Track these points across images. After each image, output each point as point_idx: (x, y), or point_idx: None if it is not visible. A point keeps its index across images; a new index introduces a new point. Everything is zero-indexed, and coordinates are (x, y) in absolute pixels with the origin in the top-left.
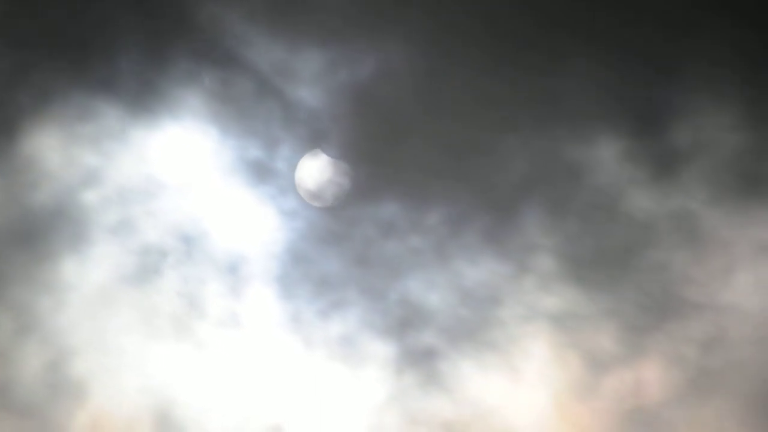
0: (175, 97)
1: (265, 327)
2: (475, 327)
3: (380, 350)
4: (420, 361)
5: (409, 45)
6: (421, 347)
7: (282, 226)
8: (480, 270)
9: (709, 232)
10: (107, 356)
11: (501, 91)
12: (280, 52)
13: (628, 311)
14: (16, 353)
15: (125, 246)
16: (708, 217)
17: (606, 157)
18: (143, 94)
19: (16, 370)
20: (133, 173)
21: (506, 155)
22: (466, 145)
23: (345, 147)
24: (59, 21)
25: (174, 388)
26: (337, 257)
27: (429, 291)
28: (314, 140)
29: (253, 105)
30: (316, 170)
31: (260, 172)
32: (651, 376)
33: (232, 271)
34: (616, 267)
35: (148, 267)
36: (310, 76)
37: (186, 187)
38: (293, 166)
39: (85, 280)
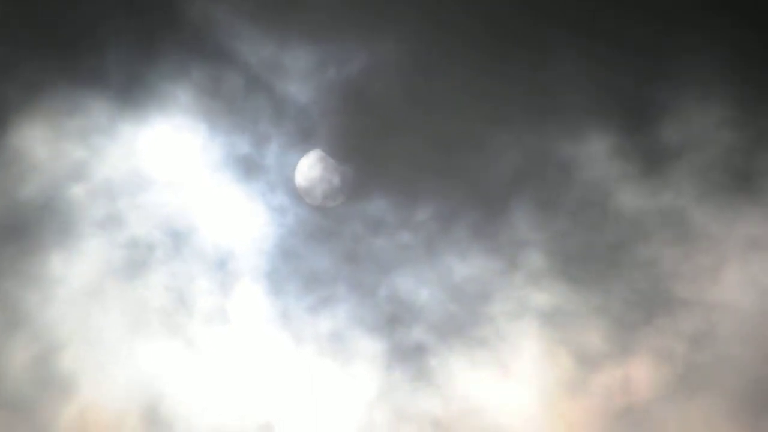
0: (163, 91)
1: (254, 323)
2: (464, 323)
3: (370, 346)
4: (409, 358)
5: (398, 42)
6: (411, 343)
7: (271, 222)
8: (469, 266)
9: (698, 228)
10: (95, 350)
11: (491, 88)
12: (269, 49)
13: (618, 308)
14: (3, 347)
15: (113, 240)
16: (697, 214)
17: (596, 154)
18: (132, 89)
19: (3, 365)
20: (121, 168)
21: (496, 151)
22: (456, 142)
23: (334, 143)
24: (48, 15)
25: (162, 383)
26: (327, 254)
27: (418, 287)
28: (304, 136)
29: (242, 101)
30: (305, 167)
31: (249, 168)
32: (640, 373)
33: (221, 266)
34: (605, 263)
35: (136, 262)
36: (300, 73)
37: (174, 183)
38: (282, 163)
39: (72, 274)
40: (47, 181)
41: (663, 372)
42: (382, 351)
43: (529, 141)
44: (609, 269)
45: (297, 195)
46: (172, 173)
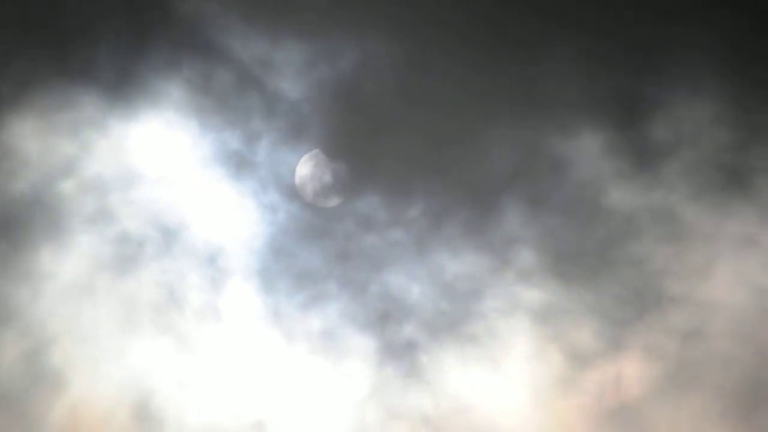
0: (155, 87)
1: (245, 320)
2: (455, 320)
3: (361, 344)
4: (401, 355)
5: (390, 39)
6: (402, 341)
7: (262, 219)
8: (461, 263)
9: (690, 226)
10: (85, 346)
11: (482, 85)
12: (261, 45)
13: (609, 305)
14: None
15: (103, 236)
16: (689, 211)
17: (588, 151)
18: (123, 84)
19: None
20: (112, 163)
21: (487, 148)
22: (447, 139)
23: (326, 140)
24: (39, 10)
25: (153, 380)
26: (318, 251)
27: (410, 284)
28: (295, 134)
29: (234, 97)
30: (296, 164)
31: (240, 165)
32: (632, 370)
33: (212, 263)
34: (597, 261)
35: (126, 257)
36: (292, 70)
37: (165, 179)
38: (274, 160)
39: (62, 269)
40: (37, 176)
41: (654, 369)
42: (373, 348)
43: (520, 138)
44: (601, 266)
45: (289, 192)
46: (163, 169)
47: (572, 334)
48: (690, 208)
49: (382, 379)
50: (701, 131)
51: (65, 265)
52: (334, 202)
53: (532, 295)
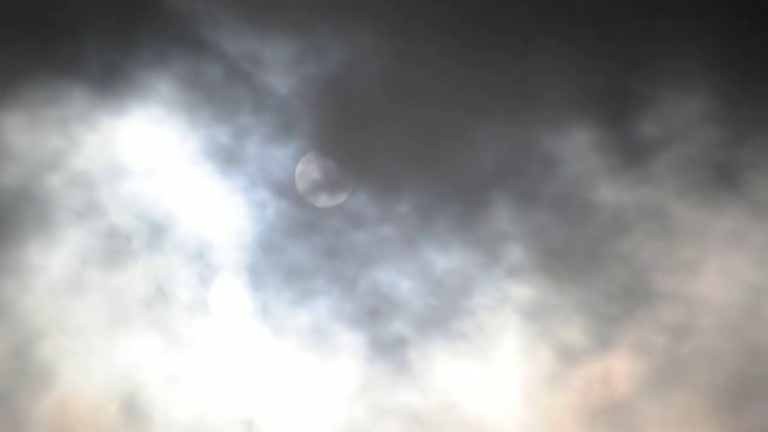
0: (143, 82)
1: (234, 316)
2: (445, 316)
3: (350, 340)
4: (390, 351)
5: (378, 34)
6: (391, 337)
7: (251, 215)
8: (450, 259)
9: (679, 222)
10: (73, 341)
11: (472, 81)
12: (250, 39)
13: (598, 301)
14: None
15: (91, 230)
16: (678, 208)
17: (577, 147)
18: (111, 79)
19: None
20: (100, 158)
21: (477, 144)
22: (437, 135)
23: (314, 136)
24: (27, 4)
25: (141, 375)
26: (307, 247)
27: (399, 280)
28: (284, 129)
29: (222, 92)
30: (285, 160)
31: (229, 160)
32: (621, 367)
33: (201, 259)
34: (586, 257)
35: (114, 252)
36: (280, 65)
37: (153, 174)
38: (263, 155)
39: (50, 263)
40: (25, 170)
41: (643, 365)
42: (362, 344)
43: (510, 134)
44: (590, 263)
45: (278, 188)
46: (151, 164)
47: (561, 330)
48: (679, 205)
49: (371, 375)
50: (691, 128)
51: (53, 259)
52: (327, 202)
53: (522, 291)
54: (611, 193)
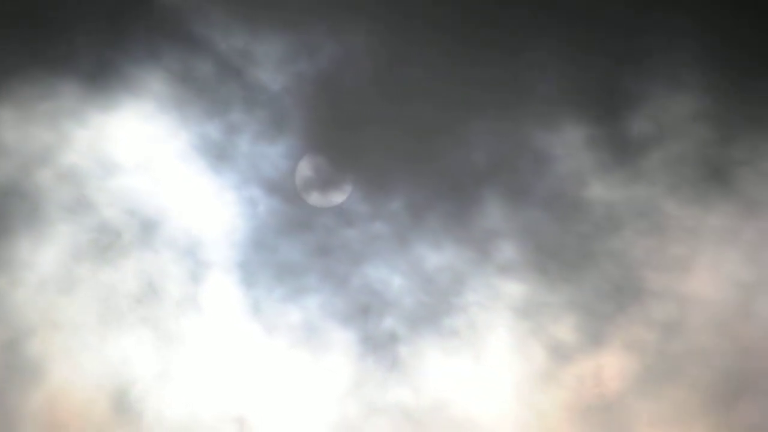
0: (134, 77)
1: (225, 313)
2: (436, 313)
3: (342, 337)
4: (382, 348)
5: (370, 31)
6: (383, 333)
7: (243, 212)
8: (442, 256)
9: (671, 219)
10: (64, 337)
11: (463, 78)
12: (241, 36)
13: (590, 299)
14: None
15: (81, 225)
16: (670, 205)
17: (569, 144)
18: (101, 74)
19: None
20: (90, 153)
21: (468, 141)
22: (428, 132)
23: (306, 133)
24: None
25: (132, 371)
26: (299, 244)
27: (390, 277)
28: (275, 126)
29: (214, 88)
30: (277, 157)
31: (220, 157)
32: (612, 364)
33: (191, 255)
34: (578, 254)
35: (104, 247)
36: (272, 61)
37: (143, 169)
38: (254, 152)
39: (40, 258)
40: (15, 165)
41: (635, 363)
42: (354, 341)
43: (502, 131)
44: (581, 260)
45: (269, 185)
46: (142, 160)
47: (553, 327)
48: (671, 202)
49: (363, 372)
50: (683, 125)
51: (43, 255)
52: (319, 200)
53: (513, 288)
54: (603, 190)
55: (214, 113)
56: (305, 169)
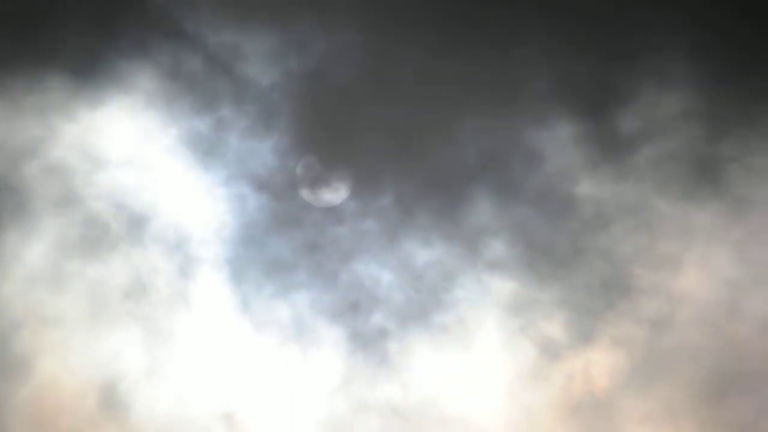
0: (122, 71)
1: (215, 310)
2: (426, 309)
3: (331, 333)
4: (371, 344)
5: (360, 27)
6: (372, 329)
7: (231, 208)
8: (431, 253)
9: (660, 217)
10: (52, 331)
11: (453, 75)
12: (230, 31)
13: (580, 296)
14: None
15: (69, 219)
16: (659, 203)
17: (558, 142)
18: (90, 68)
19: None
20: (77, 147)
21: (458, 138)
22: (418, 128)
23: (295, 129)
24: None
25: (120, 366)
26: (288, 241)
27: (380, 273)
28: (264, 122)
29: (202, 83)
30: (266, 153)
31: (209, 153)
32: (602, 361)
33: (180, 250)
34: (567, 251)
35: (92, 242)
36: (261, 57)
37: (131, 164)
38: (243, 147)
39: (28, 252)
40: (3, 159)
41: (624, 360)
42: (343, 338)
43: (492, 128)
44: (571, 257)
45: (258, 181)
46: (130, 154)
47: (542, 324)
48: (660, 199)
49: (352, 368)
50: (672, 122)
51: (31, 249)
52: (303, 191)
53: (503, 285)
54: (593, 187)
55: (203, 108)
56: (295, 166)
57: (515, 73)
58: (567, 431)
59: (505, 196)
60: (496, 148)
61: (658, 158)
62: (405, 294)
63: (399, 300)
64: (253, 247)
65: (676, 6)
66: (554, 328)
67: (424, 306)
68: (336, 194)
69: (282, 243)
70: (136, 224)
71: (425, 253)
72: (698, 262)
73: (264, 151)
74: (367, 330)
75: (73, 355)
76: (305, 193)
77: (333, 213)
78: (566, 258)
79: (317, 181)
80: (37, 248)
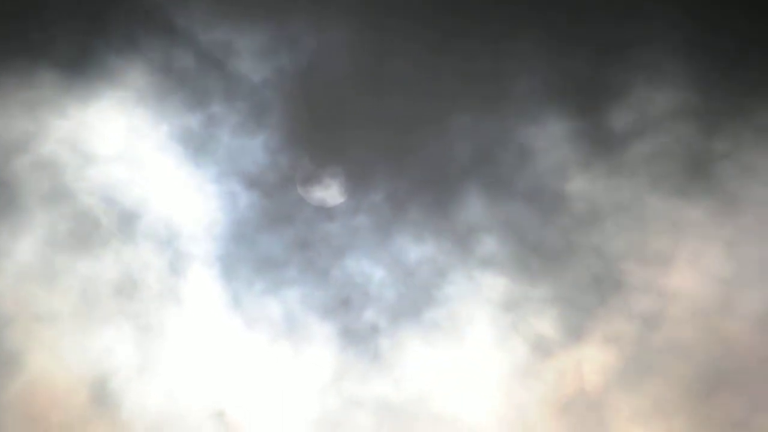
0: (113, 66)
1: (205, 306)
2: (417, 306)
3: (322, 330)
4: (362, 340)
5: (351, 23)
6: (364, 326)
7: (222, 205)
8: (423, 249)
9: (652, 214)
10: (43, 326)
11: (445, 71)
12: (222, 27)
13: (571, 292)
14: None
15: (59, 215)
16: (651, 200)
17: (550, 138)
18: (80, 63)
19: None
20: (68, 142)
21: (450, 134)
22: (410, 124)
23: (286, 125)
24: None
25: (110, 362)
26: (279, 237)
27: (371, 270)
28: (255, 118)
29: (193, 79)
30: (257, 150)
31: (200, 149)
32: (592, 358)
33: (171, 247)
34: (559, 248)
35: (83, 237)
36: (252, 53)
37: (122, 160)
38: (234, 144)
39: (18, 247)
40: None
41: (615, 357)
42: (335, 334)
43: (483, 124)
44: (563, 253)
45: (249, 178)
46: (120, 150)
47: (534, 320)
48: (652, 196)
49: (343, 365)
50: (664, 118)
51: (21, 244)
52: (294, 187)
53: (494, 281)
54: (584, 183)
55: (194, 105)
56: (286, 162)
57: (507, 69)
58: (558, 427)
59: (497, 193)
60: (488, 144)
61: (650, 154)
62: (396, 290)
63: (390, 296)
64: (244, 244)
65: (667, 1)
66: (546, 324)
67: (415, 302)
68: (328, 191)
69: (273, 239)
70: (126, 220)
71: (417, 249)
72: (690, 259)
73: (255, 148)
74: (358, 326)
75: (64, 351)
76: (300, 190)
77: (324, 209)
78: (558, 254)
79: (309, 179)
80: (27, 244)
